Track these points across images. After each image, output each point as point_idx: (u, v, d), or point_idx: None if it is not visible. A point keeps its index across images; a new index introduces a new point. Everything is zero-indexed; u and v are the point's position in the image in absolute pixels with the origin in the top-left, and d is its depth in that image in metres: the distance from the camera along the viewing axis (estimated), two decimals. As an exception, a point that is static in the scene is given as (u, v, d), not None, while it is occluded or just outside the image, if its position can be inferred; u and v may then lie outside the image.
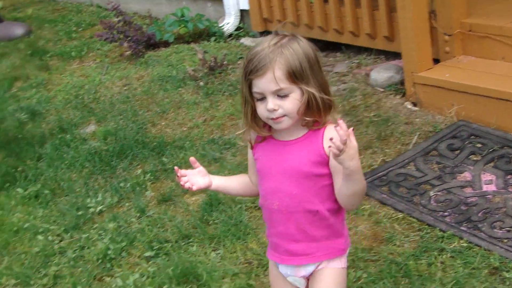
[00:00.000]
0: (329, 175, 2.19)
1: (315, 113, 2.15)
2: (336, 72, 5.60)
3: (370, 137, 4.44)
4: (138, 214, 4.27)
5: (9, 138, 5.92)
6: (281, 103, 2.10)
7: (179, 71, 6.28)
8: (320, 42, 6.01)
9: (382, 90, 5.03)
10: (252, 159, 2.37)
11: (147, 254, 3.84)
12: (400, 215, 3.66)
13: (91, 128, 5.72)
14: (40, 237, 4.28)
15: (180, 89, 5.92)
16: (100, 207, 4.47)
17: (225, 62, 6.02)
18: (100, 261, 3.90)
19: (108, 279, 3.74)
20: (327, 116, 2.18)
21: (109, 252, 3.94)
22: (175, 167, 2.36)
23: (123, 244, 3.98)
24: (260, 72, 2.08)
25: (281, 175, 2.22)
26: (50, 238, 4.26)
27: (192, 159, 2.39)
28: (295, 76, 2.09)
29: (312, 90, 2.11)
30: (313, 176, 2.18)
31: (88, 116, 5.96)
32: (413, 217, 3.61)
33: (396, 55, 5.20)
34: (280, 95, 2.10)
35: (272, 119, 2.13)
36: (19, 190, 4.95)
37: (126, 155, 5.05)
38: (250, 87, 2.15)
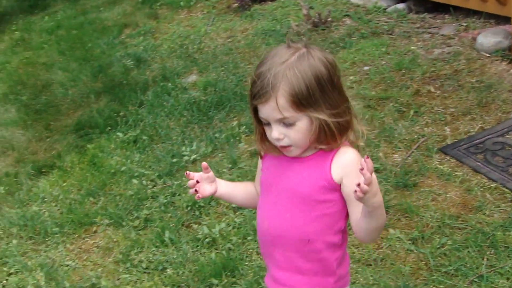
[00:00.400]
0: (334, 203, 1.93)
1: (328, 139, 1.89)
2: (442, 35, 5.37)
3: (470, 103, 4.27)
4: (230, 165, 4.30)
5: (115, 83, 6.10)
6: (287, 131, 1.87)
7: (283, 26, 6.23)
8: (429, 3, 5.78)
9: (487, 55, 4.79)
10: (260, 168, 2.13)
11: (234, 204, 3.87)
12: (493, 185, 3.51)
13: (193, 78, 5.79)
14: (135, 181, 4.41)
15: (282, 44, 5.86)
16: (194, 156, 4.53)
17: (329, 19, 5.90)
18: (189, 208, 3.97)
19: (195, 226, 3.81)
20: (343, 138, 1.92)
21: (198, 200, 3.99)
22: (186, 172, 2.09)
23: (212, 193, 4.03)
24: (263, 99, 1.85)
25: (278, 194, 1.98)
26: (144, 182, 4.38)
27: (204, 164, 2.09)
28: (300, 103, 1.83)
29: (323, 116, 1.85)
30: (313, 201, 1.92)
31: (191, 66, 6.04)
32: (507, 188, 3.46)
33: (507, 20, 4.91)
34: (286, 123, 1.86)
35: (280, 146, 1.92)
36: (119, 134, 5.10)
37: (224, 106, 5.09)
38: (255, 110, 1.93)
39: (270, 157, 2.04)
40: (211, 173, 2.10)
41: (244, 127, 4.70)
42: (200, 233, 3.71)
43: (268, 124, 1.90)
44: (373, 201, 1.75)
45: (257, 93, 1.86)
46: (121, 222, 4.00)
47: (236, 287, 3.25)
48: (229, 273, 3.34)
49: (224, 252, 3.51)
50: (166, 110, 5.29)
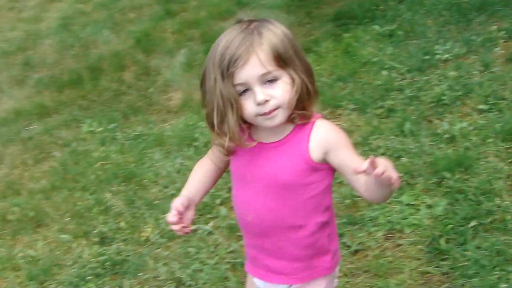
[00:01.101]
0: (319, 183, 1.84)
1: (305, 103, 1.78)
2: None
3: None
4: (481, 68, 4.21)
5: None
6: (272, 91, 1.73)
7: None
8: None
9: None
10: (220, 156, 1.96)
11: (480, 106, 3.83)
12: None
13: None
14: (384, 72, 4.52)
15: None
16: (446, 55, 4.50)
17: None
18: (433, 104, 4.01)
19: (436, 121, 3.85)
20: (314, 106, 1.82)
21: (444, 98, 4.01)
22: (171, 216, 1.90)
23: (459, 93, 4.01)
24: (241, 62, 1.70)
25: (258, 184, 1.86)
26: (393, 75, 4.47)
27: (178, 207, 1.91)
28: (281, 59, 1.73)
29: (302, 75, 1.76)
30: (297, 187, 1.82)
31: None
32: None
33: None
34: (269, 79, 1.73)
35: (264, 114, 1.75)
36: (376, 27, 5.20)
37: (486, 10, 4.92)
38: (232, 82, 1.74)
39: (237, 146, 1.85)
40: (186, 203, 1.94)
41: (503, 32, 4.54)
42: (440, 128, 3.75)
43: (245, 92, 1.74)
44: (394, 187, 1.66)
45: (231, 59, 1.71)
46: (365, 109, 4.17)
47: (468, 183, 3.27)
48: (463, 170, 3.37)
49: (461, 149, 3.52)
50: (425, 8, 5.26)
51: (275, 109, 1.74)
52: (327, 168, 1.83)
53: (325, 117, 1.86)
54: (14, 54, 7.03)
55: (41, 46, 7.08)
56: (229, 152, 1.85)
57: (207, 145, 4.21)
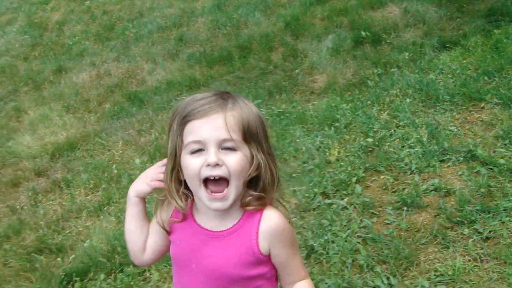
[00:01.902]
0: (266, 272, 1.75)
1: (264, 187, 1.67)
2: None
3: None
4: None
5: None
6: (227, 158, 1.61)
7: None
8: None
9: None
10: (160, 231, 1.81)
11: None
12: None
13: None
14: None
15: None
16: None
17: None
18: None
19: None
20: (274, 193, 1.71)
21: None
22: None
23: None
24: (205, 113, 1.61)
25: (202, 274, 1.74)
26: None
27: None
28: (249, 133, 1.63)
29: (266, 157, 1.66)
30: (244, 279, 1.72)
31: None
32: None
33: None
34: (227, 147, 1.62)
35: (212, 193, 1.64)
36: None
37: None
38: (181, 134, 1.65)
39: (180, 227, 1.77)
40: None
41: None
42: None
43: (198, 151, 1.63)
44: None
45: (196, 109, 1.62)
46: (509, 104, 4.15)
47: None
48: None
49: None
50: None
51: (227, 185, 1.63)
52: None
53: (272, 204, 1.75)
54: (169, 29, 7.49)
55: (195, 24, 7.49)
56: (169, 224, 1.78)
57: (347, 127, 4.38)
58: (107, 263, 3.58)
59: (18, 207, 4.47)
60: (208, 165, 1.60)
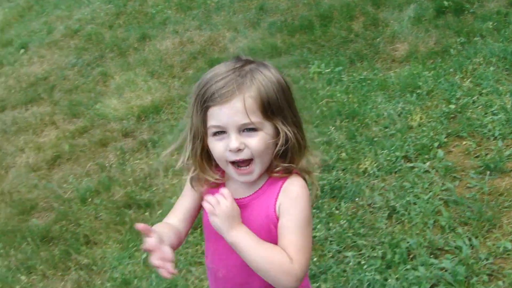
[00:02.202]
0: None
1: (293, 157, 1.68)
2: None
3: None
4: None
5: None
6: (248, 140, 1.62)
7: None
8: None
9: None
10: (193, 202, 1.82)
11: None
12: None
13: None
14: None
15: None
16: None
17: None
18: None
19: None
20: (302, 160, 1.70)
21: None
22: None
23: None
24: (224, 99, 1.59)
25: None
26: None
27: (142, 227, 1.60)
28: (270, 109, 1.61)
29: (292, 128, 1.65)
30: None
31: None
32: None
33: None
34: (248, 128, 1.61)
35: (238, 168, 1.66)
36: None
37: None
38: (204, 118, 1.65)
39: (212, 193, 1.73)
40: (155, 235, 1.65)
41: None
42: None
43: (220, 134, 1.64)
44: (225, 235, 1.65)
45: (216, 92, 1.60)
46: None
47: None
48: None
49: None
50: None
51: (251, 162, 1.66)
52: None
53: (300, 174, 1.75)
54: (250, -1, 7.61)
55: (275, -7, 7.57)
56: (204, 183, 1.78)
57: (429, 93, 4.39)
58: (193, 217, 3.74)
59: (107, 165, 4.69)
60: (231, 150, 1.63)
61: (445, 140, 3.81)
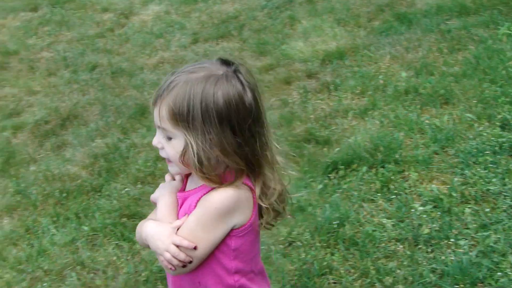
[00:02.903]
0: None
1: (204, 170, 1.73)
2: None
3: None
4: None
5: None
6: (165, 144, 1.79)
7: None
8: None
9: None
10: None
11: None
12: None
13: None
14: None
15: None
16: None
17: None
18: None
19: None
20: (238, 179, 1.76)
21: None
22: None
23: None
24: (152, 102, 1.78)
25: None
26: None
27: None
28: (177, 119, 1.71)
29: (198, 144, 1.70)
30: None
31: None
32: None
33: None
34: (165, 135, 1.78)
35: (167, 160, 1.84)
36: None
37: None
38: None
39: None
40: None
41: None
42: None
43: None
44: None
45: (154, 95, 1.78)
46: None
47: None
48: None
49: None
50: None
51: (170, 162, 1.83)
52: None
53: (237, 186, 1.77)
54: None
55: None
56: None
57: None
58: (370, 158, 3.96)
59: (290, 101, 4.99)
60: (152, 143, 1.83)
61: None
